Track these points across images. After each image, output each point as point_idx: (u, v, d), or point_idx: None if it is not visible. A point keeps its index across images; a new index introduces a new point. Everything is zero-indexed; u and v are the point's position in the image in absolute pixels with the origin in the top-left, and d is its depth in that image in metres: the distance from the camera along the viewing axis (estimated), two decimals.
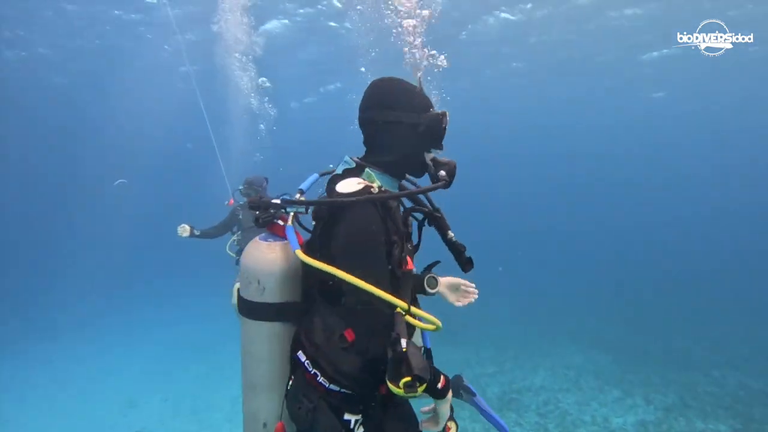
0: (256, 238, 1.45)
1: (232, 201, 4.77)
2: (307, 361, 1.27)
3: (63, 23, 10.43)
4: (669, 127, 19.85)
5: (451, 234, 1.53)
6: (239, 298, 1.44)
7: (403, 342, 1.08)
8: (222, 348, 8.15)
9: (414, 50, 2.03)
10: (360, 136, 1.49)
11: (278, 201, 1.39)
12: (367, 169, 1.39)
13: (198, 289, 12.94)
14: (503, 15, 11.23)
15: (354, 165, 1.40)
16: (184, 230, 4.60)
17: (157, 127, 17.41)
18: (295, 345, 1.33)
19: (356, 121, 1.48)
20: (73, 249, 18.58)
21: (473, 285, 1.70)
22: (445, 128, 1.40)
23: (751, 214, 24.17)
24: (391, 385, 1.07)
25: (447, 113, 1.40)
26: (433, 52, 2.03)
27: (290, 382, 1.34)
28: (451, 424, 1.37)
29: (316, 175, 1.55)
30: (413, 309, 1.18)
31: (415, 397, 1.06)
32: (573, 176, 27.78)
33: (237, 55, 9.86)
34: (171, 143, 20.55)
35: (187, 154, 20.73)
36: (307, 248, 1.36)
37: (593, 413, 5.59)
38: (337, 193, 1.27)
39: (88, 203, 22.04)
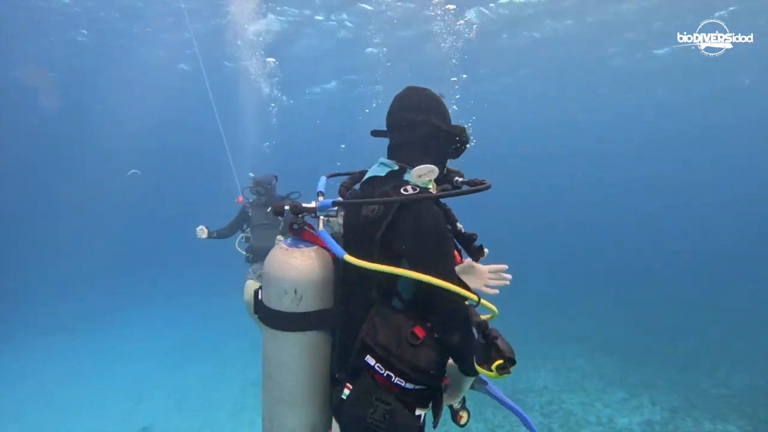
0: (282, 245, 1.38)
1: (241, 198, 4.75)
2: (378, 364, 1.24)
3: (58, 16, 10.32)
4: (671, 125, 19.73)
5: (459, 225, 1.56)
6: (264, 309, 1.36)
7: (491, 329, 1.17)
8: (224, 346, 8.17)
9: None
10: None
11: (313, 205, 1.36)
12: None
13: (201, 288, 13.00)
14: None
15: (397, 167, 1.42)
16: (203, 232, 4.59)
17: (163, 123, 17.43)
18: (362, 349, 1.27)
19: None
20: (80, 246, 18.66)
21: (505, 266, 1.53)
22: (468, 141, 1.50)
23: (755, 214, 24.05)
24: (482, 369, 1.13)
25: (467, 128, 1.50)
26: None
27: (345, 390, 1.28)
28: (464, 413, 1.39)
29: (323, 178, 1.57)
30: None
31: (502, 378, 1.12)
32: (575, 176, 27.70)
33: (240, 42, 9.86)
34: (178, 139, 20.62)
35: (193, 150, 20.76)
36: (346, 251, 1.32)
37: (598, 414, 5.56)
38: (400, 193, 1.29)
39: (91, 200, 22.11)
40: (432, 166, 1.34)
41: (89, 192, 21.91)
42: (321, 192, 1.46)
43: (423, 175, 1.34)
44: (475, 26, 11.01)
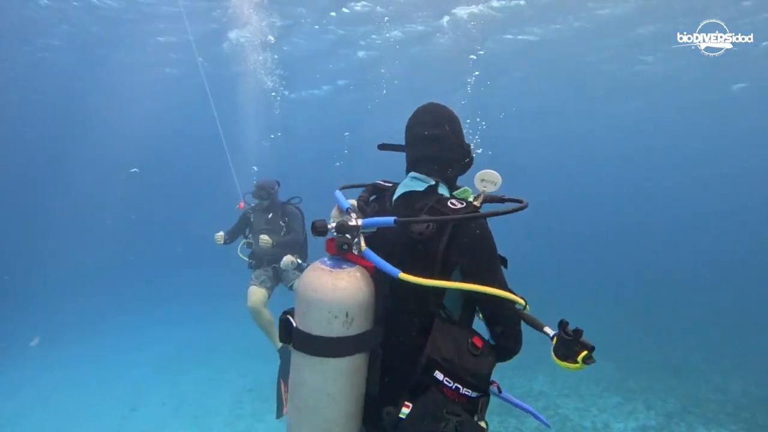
0: (322, 266, 1.32)
1: (242, 204, 4.70)
2: (446, 378, 1.27)
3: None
4: (670, 130, 19.72)
5: None
6: (304, 337, 1.29)
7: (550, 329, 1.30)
8: (220, 352, 8.18)
9: None
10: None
11: (357, 223, 1.32)
12: (465, 187, 1.49)
13: (198, 293, 13.00)
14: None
15: (433, 182, 1.46)
16: (221, 237, 4.55)
17: (162, 126, 17.42)
18: (429, 365, 1.28)
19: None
20: (72, 250, 18.60)
21: None
22: (473, 158, 1.57)
23: (752, 220, 24.02)
24: (565, 363, 1.23)
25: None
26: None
27: (403, 409, 1.27)
28: (483, 423, 1.40)
29: (339, 193, 1.56)
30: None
31: (584, 368, 1.22)
32: (570, 180, 27.66)
33: (248, 36, 9.84)
34: (176, 141, 20.57)
35: (192, 153, 20.66)
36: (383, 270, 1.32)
37: (593, 419, 5.57)
38: (453, 210, 1.33)
39: (84, 203, 22.03)
40: (497, 174, 1.39)
41: (86, 197, 21.88)
42: (350, 209, 1.42)
43: (486, 180, 1.38)
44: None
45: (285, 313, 1.36)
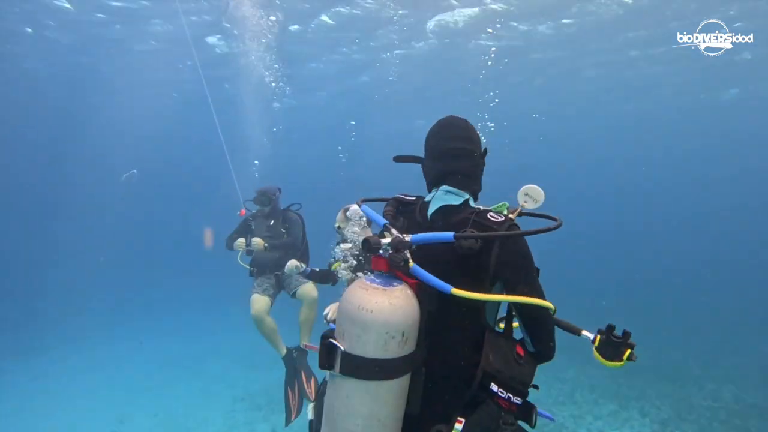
0: (372, 285, 1.27)
1: (243, 212, 4.59)
2: (500, 389, 1.29)
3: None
4: (665, 130, 19.73)
5: None
6: (354, 360, 1.23)
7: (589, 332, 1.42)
8: (209, 362, 8.06)
9: None
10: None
11: (407, 238, 1.28)
12: (504, 202, 1.50)
13: (189, 302, 12.85)
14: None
15: (468, 196, 1.48)
16: (241, 244, 4.37)
17: (161, 127, 17.25)
18: (485, 378, 1.29)
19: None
20: (62, 261, 18.33)
21: None
22: None
23: (747, 228, 24.18)
24: (612, 363, 1.33)
25: None
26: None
27: (456, 425, 1.27)
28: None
29: (367, 208, 1.55)
30: None
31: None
32: (568, 180, 27.64)
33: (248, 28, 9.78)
34: (175, 146, 20.37)
35: (194, 158, 20.46)
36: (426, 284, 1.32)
37: (589, 426, 5.57)
38: (495, 223, 1.34)
39: (77, 215, 21.77)
40: (541, 191, 1.44)
41: (83, 202, 21.62)
42: (387, 225, 1.38)
43: (529, 195, 1.41)
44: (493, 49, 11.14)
45: (326, 337, 1.28)
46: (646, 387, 6.64)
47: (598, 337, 1.37)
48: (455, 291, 1.24)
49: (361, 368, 1.22)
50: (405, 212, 1.54)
